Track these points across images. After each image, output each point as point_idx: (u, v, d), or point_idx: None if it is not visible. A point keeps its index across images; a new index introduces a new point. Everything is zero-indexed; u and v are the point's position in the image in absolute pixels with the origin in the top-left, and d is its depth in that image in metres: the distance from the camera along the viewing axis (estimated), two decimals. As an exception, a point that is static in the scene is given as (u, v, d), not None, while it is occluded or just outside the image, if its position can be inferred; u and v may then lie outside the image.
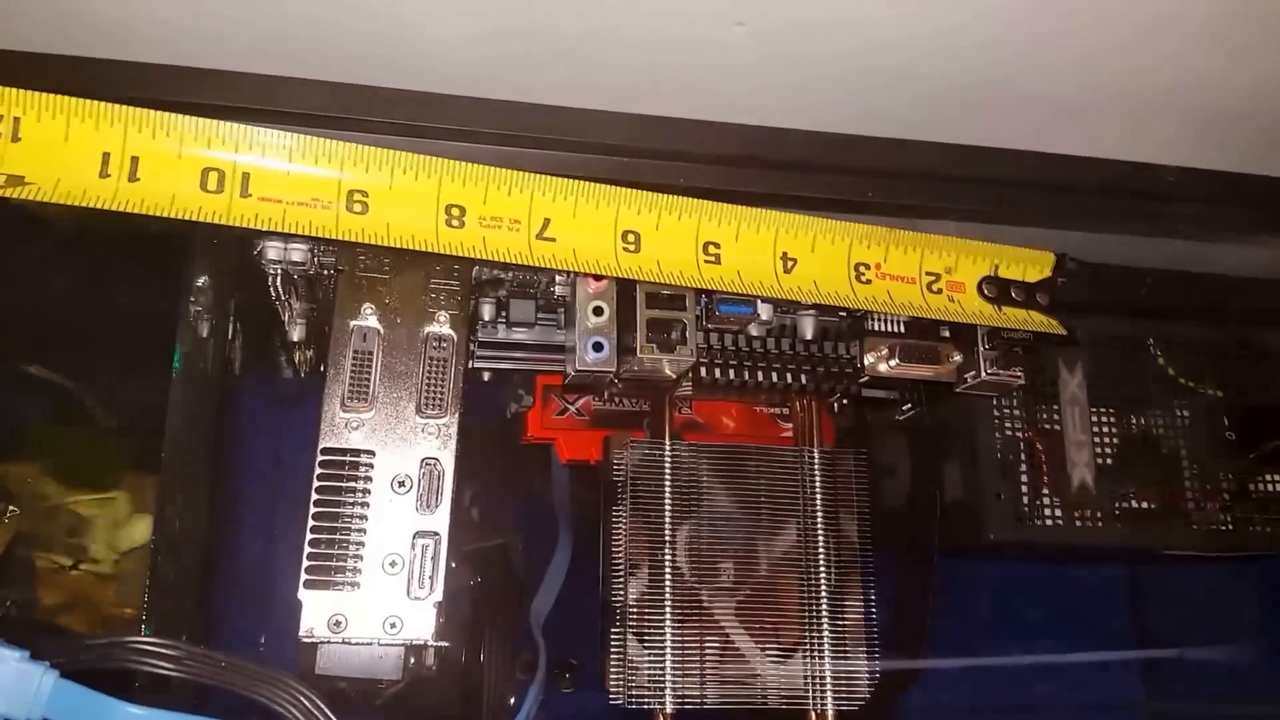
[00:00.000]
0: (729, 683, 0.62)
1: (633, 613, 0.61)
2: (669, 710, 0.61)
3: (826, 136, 0.60)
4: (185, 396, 0.58)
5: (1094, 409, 0.69)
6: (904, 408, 0.69)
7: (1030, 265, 0.60)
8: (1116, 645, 0.76)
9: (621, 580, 0.62)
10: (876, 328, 0.62)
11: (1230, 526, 0.69)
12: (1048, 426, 0.68)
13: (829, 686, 0.63)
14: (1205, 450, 0.70)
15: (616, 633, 0.61)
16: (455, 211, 0.50)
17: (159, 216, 0.46)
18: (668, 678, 0.61)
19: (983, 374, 0.60)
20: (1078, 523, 0.67)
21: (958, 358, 0.61)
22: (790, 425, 0.70)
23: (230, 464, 0.65)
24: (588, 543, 0.64)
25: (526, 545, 0.65)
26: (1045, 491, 0.67)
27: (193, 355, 0.58)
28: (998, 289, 0.58)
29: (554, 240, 0.51)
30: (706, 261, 0.53)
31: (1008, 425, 0.67)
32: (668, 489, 0.64)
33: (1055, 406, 0.68)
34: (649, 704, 0.60)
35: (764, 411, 0.72)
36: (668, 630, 0.61)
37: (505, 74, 0.55)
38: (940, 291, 0.57)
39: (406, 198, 0.49)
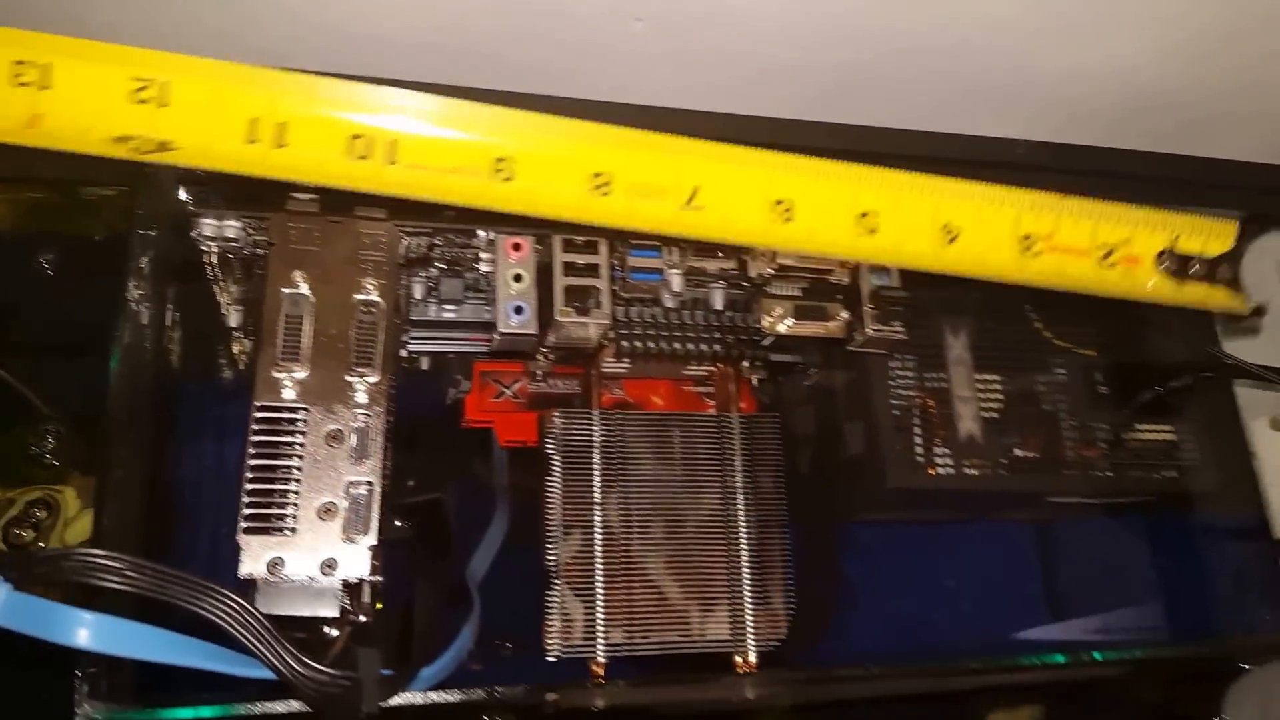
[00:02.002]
0: (658, 631, 0.65)
1: (566, 571, 0.64)
2: (600, 659, 0.64)
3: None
4: (125, 388, 0.60)
5: (979, 370, 0.75)
6: (810, 371, 0.74)
7: (1212, 237, 0.56)
8: (1025, 603, 0.81)
9: (555, 542, 0.65)
10: (774, 292, 0.67)
11: (1110, 474, 0.75)
12: (937, 385, 0.74)
13: (750, 631, 0.66)
14: (1082, 404, 0.77)
15: (551, 591, 0.64)
16: (602, 179, 0.48)
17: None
18: (599, 629, 0.64)
19: (868, 330, 0.66)
20: (968, 470, 0.72)
21: (845, 314, 0.67)
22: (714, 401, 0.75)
23: (171, 456, 0.67)
24: (527, 516, 0.67)
25: (463, 509, 0.68)
26: (938, 444, 0.72)
27: (133, 345, 0.61)
28: (1177, 263, 0.54)
29: (703, 209, 0.49)
30: (863, 234, 0.51)
31: (901, 385, 0.73)
32: (596, 455, 0.68)
33: (943, 368, 0.74)
34: (582, 654, 0.63)
35: (690, 390, 0.77)
36: (598, 585, 0.65)
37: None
38: (1115, 265, 0.54)
39: (553, 164, 0.47)
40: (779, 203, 0.50)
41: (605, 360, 0.70)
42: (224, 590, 0.47)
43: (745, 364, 0.73)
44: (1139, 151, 0.79)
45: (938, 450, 0.73)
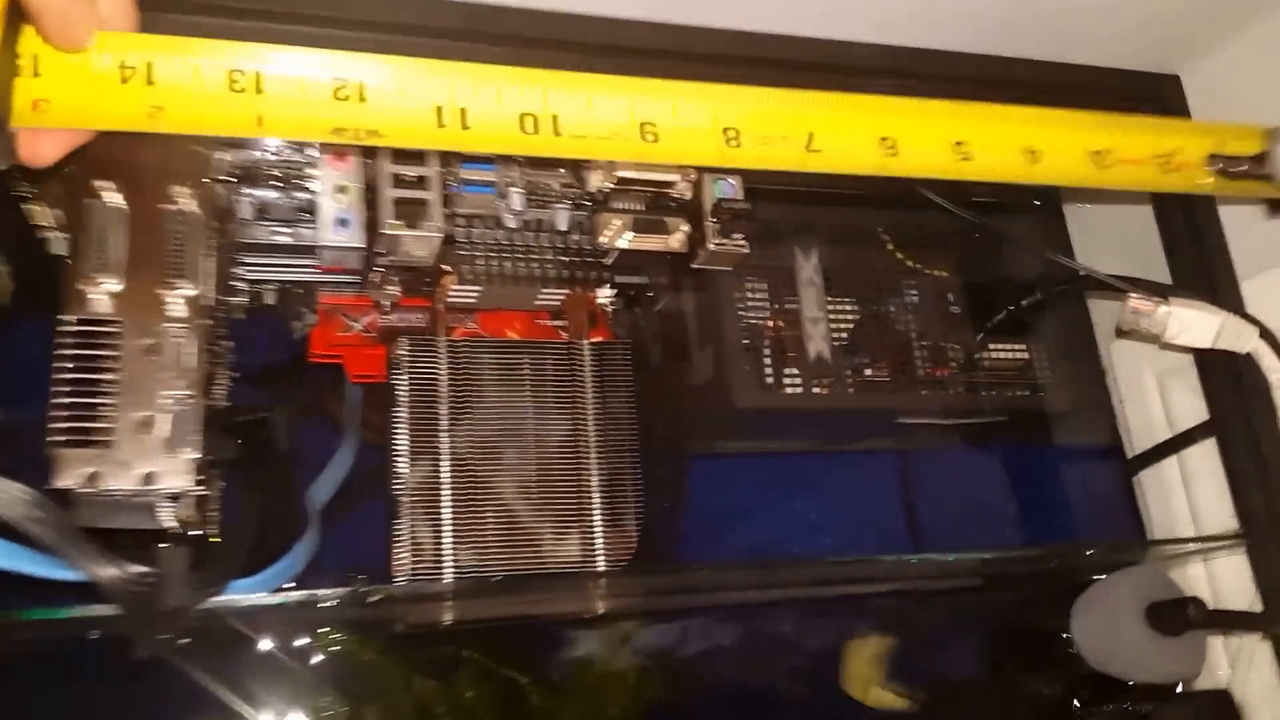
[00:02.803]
0: (508, 554, 0.65)
1: (413, 498, 0.64)
2: (448, 582, 0.64)
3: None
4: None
5: (830, 291, 0.76)
6: (658, 295, 0.74)
7: (1246, 139, 0.63)
8: (889, 533, 0.82)
9: (405, 468, 0.65)
10: (615, 206, 0.67)
11: (963, 393, 0.76)
12: (788, 307, 0.74)
13: (600, 552, 0.66)
14: (934, 325, 0.78)
15: (398, 519, 0.64)
16: (732, 134, 0.52)
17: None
18: (446, 553, 0.64)
19: (710, 245, 0.66)
20: (816, 390, 0.73)
21: (686, 228, 0.67)
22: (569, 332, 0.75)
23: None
24: (378, 450, 0.67)
25: (311, 443, 0.67)
26: (788, 366, 0.73)
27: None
28: (1224, 162, 0.62)
29: (820, 152, 0.53)
30: (960, 160, 0.56)
31: (752, 309, 0.73)
32: (443, 383, 0.68)
33: (794, 291, 0.75)
34: (430, 578, 0.63)
35: (545, 323, 0.76)
36: (445, 511, 0.65)
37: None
38: (1175, 170, 0.61)
39: (689, 126, 0.51)
40: (884, 139, 0.55)
41: (452, 289, 0.70)
42: (16, 485, 0.45)
43: (595, 289, 0.73)
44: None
45: (787, 372, 0.73)
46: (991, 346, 0.79)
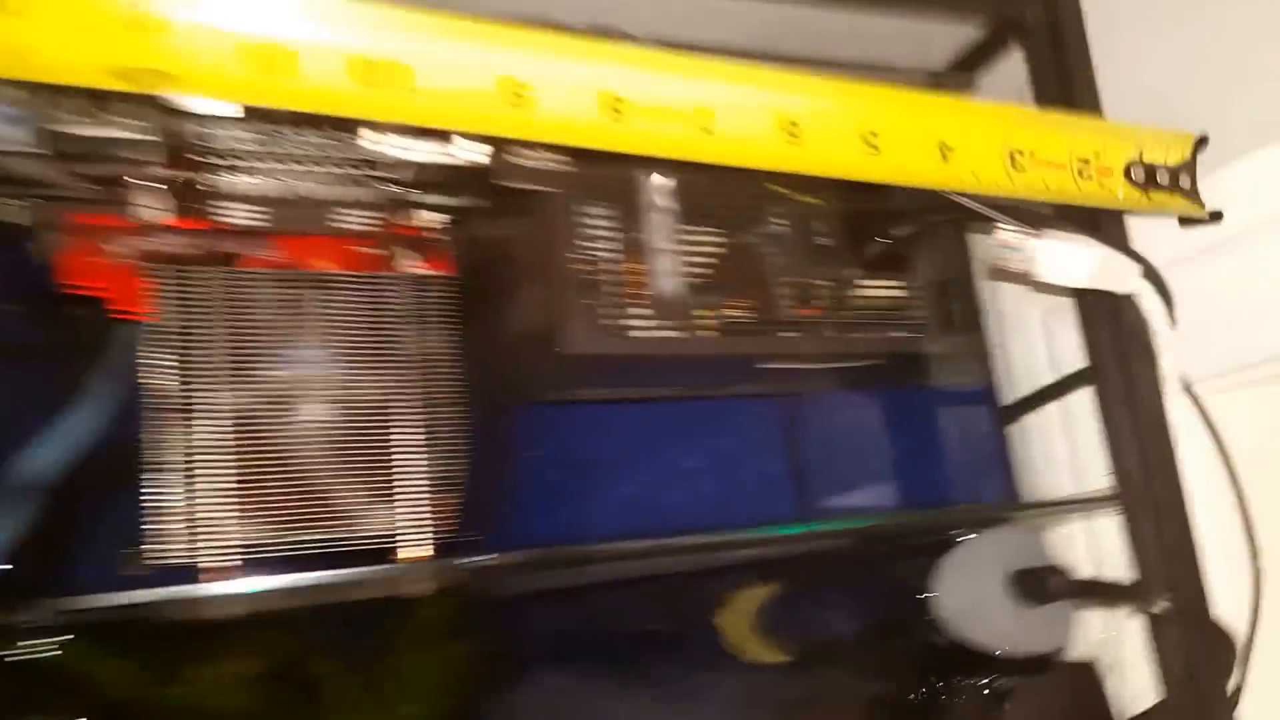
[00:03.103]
0: (300, 529, 0.57)
1: (176, 464, 0.56)
2: (213, 563, 0.56)
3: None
4: None
5: (685, 220, 0.67)
6: (476, 219, 0.65)
7: (1171, 148, 0.60)
8: (771, 480, 0.75)
9: (163, 431, 0.57)
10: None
11: (829, 334, 0.69)
12: (634, 236, 0.66)
13: (413, 526, 0.59)
14: (802, 259, 0.70)
15: (154, 488, 0.56)
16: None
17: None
18: (217, 530, 0.57)
19: (517, 156, 0.58)
20: (664, 334, 0.65)
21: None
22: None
23: None
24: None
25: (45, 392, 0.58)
26: (632, 304, 0.65)
27: None
28: (1144, 173, 0.59)
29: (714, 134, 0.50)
30: (869, 153, 0.52)
31: (591, 236, 0.65)
32: (222, 322, 0.59)
33: (641, 215, 0.67)
34: (189, 559, 0.56)
35: (363, 251, 0.67)
36: (218, 480, 0.57)
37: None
38: (1091, 178, 0.57)
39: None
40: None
41: (233, 209, 0.61)
42: None
43: (412, 213, 0.64)
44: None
45: (632, 311, 0.65)
46: (864, 284, 0.71)
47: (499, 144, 0.58)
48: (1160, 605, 0.58)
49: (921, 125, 0.53)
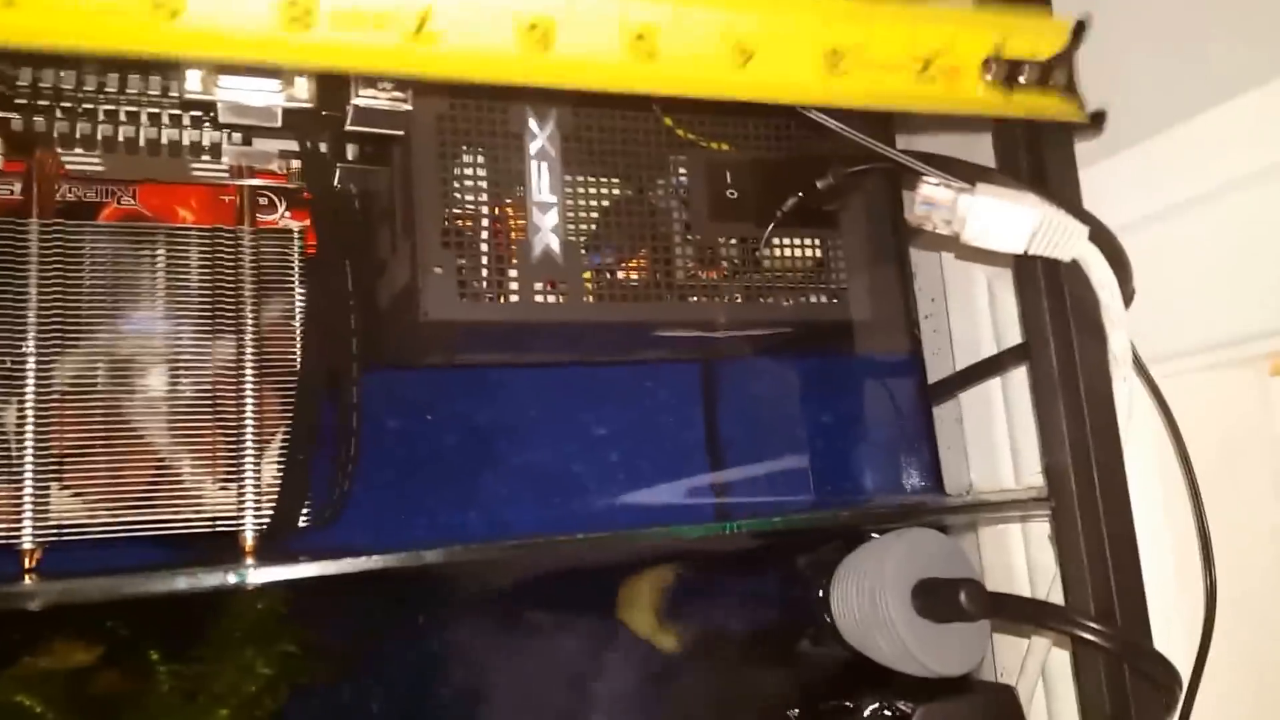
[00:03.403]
0: (121, 508, 0.52)
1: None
2: (28, 546, 0.50)
3: None
4: None
5: (571, 168, 0.58)
6: (322, 166, 0.57)
7: (1041, 37, 0.50)
8: (685, 447, 0.67)
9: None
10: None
11: (737, 299, 0.60)
12: (511, 187, 0.57)
13: (250, 506, 0.52)
14: (706, 213, 0.61)
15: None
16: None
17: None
18: (31, 508, 0.51)
19: (353, 96, 0.49)
20: (541, 298, 0.56)
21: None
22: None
23: None
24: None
25: None
26: (503, 264, 0.56)
27: None
28: (1006, 70, 0.50)
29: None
30: (641, 59, 0.45)
31: (456, 186, 0.56)
32: (33, 283, 0.52)
33: (520, 163, 0.58)
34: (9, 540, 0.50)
35: (233, 201, 0.60)
36: (31, 452, 0.51)
37: None
38: (935, 79, 0.49)
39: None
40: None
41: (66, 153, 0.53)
42: None
43: (254, 160, 0.56)
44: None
45: (506, 272, 0.57)
46: (777, 243, 0.62)
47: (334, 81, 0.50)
48: (1090, 629, 0.50)
49: (711, 23, 0.45)
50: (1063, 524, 0.52)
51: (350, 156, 0.60)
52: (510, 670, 0.61)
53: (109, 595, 0.47)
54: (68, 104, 0.53)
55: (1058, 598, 0.53)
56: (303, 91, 0.49)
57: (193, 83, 0.48)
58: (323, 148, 0.56)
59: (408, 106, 0.50)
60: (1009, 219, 0.51)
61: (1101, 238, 0.53)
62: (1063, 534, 0.52)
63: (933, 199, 0.52)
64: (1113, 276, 0.52)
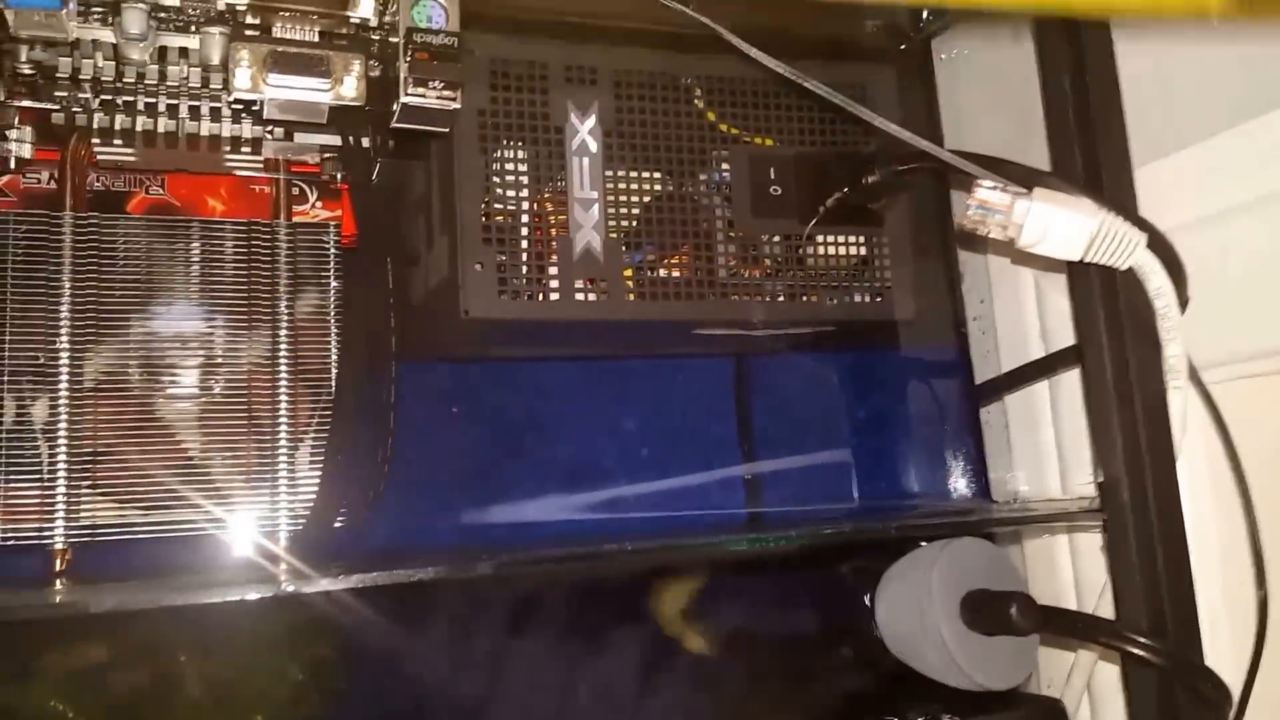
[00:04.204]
0: (152, 509, 0.52)
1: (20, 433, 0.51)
2: (59, 546, 0.50)
3: None
4: None
5: (612, 163, 0.58)
6: (365, 161, 0.56)
7: None
8: (718, 443, 0.67)
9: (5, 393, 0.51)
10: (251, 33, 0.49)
11: (779, 297, 0.59)
12: (552, 183, 0.57)
13: (283, 505, 0.52)
14: (748, 210, 0.60)
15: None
16: None
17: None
18: (62, 507, 0.50)
19: (401, 94, 0.48)
20: (581, 295, 0.56)
21: (359, 67, 0.48)
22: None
23: None
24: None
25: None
26: (543, 261, 0.55)
27: None
28: None
29: None
30: None
31: (497, 180, 0.56)
32: (67, 275, 0.51)
33: (561, 159, 0.57)
34: (36, 538, 0.50)
35: (263, 191, 0.59)
36: (64, 452, 0.51)
37: None
38: None
39: None
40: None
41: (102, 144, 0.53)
42: None
43: (290, 153, 0.55)
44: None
45: (546, 270, 0.56)
46: (821, 240, 0.61)
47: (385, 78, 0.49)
48: (1143, 645, 0.49)
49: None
50: (1116, 537, 0.51)
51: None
52: (545, 677, 0.61)
53: (158, 604, 0.46)
54: (107, 95, 0.51)
55: (1105, 610, 0.53)
56: (351, 90, 0.48)
57: (241, 80, 0.47)
58: (365, 143, 0.55)
59: (456, 105, 0.49)
60: (1067, 226, 0.50)
61: (1159, 245, 0.52)
62: (1115, 547, 0.51)
63: (988, 203, 0.51)
64: (1171, 285, 0.51)
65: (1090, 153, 0.54)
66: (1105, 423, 0.52)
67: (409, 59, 0.48)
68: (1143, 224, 0.52)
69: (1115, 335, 0.53)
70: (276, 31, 0.49)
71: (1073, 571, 0.59)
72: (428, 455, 0.62)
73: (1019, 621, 0.50)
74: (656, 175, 0.59)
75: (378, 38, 0.51)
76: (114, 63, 0.51)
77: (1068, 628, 0.53)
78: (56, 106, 0.51)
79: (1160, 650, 0.49)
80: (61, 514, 0.51)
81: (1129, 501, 0.51)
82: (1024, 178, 0.52)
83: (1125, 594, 0.51)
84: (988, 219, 0.51)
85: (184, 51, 0.51)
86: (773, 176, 0.61)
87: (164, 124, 0.54)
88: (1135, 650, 0.49)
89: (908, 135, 0.54)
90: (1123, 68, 0.55)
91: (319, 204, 0.60)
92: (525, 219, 0.57)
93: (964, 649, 0.52)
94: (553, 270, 0.57)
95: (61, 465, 0.51)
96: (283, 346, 0.55)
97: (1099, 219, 0.50)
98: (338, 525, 0.54)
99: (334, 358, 0.55)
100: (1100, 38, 0.55)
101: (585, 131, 0.58)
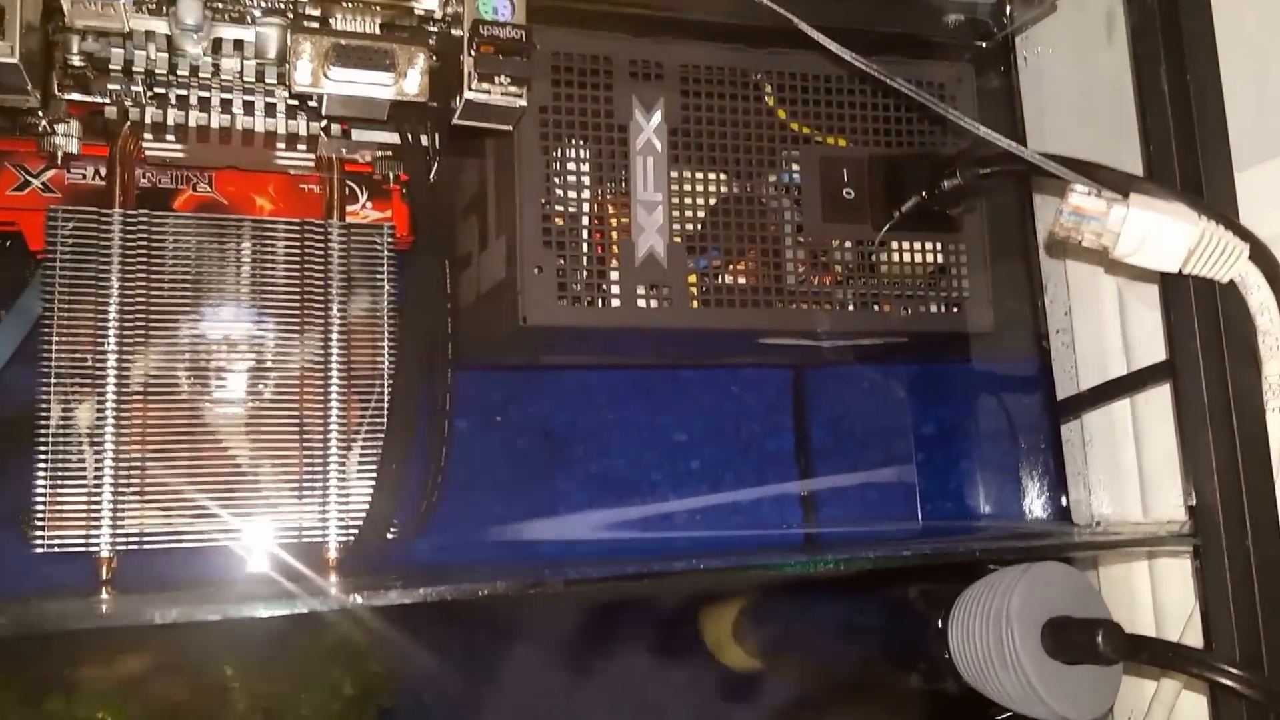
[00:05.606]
0: (202, 518, 0.51)
1: (69, 437, 0.50)
2: (105, 554, 0.50)
3: None
4: None
5: (678, 163, 0.56)
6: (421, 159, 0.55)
7: None
8: (773, 457, 0.65)
9: (52, 396, 0.49)
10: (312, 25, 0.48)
11: (849, 306, 0.58)
12: (614, 184, 0.55)
13: (336, 516, 0.51)
14: (819, 213, 0.58)
15: (45, 463, 0.49)
16: None
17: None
18: (108, 514, 0.49)
19: (465, 90, 0.47)
20: (643, 303, 0.55)
21: (423, 62, 0.47)
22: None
23: None
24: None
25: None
26: (604, 265, 0.54)
27: None
28: None
29: None
30: None
31: (558, 181, 0.54)
32: (116, 275, 0.51)
33: (625, 160, 0.56)
34: (80, 545, 0.49)
35: (312, 190, 0.58)
36: (111, 456, 0.50)
37: None
38: None
39: None
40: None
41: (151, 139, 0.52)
42: None
43: (345, 150, 0.54)
44: None
45: (607, 275, 0.55)
46: (895, 247, 0.59)
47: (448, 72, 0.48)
48: (1237, 677, 0.48)
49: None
50: (1209, 564, 0.50)
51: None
52: (602, 696, 0.60)
53: (223, 614, 0.45)
54: (159, 88, 0.51)
55: (1190, 639, 0.52)
56: (414, 85, 0.47)
57: (302, 74, 0.46)
58: (423, 140, 0.54)
59: (523, 102, 0.48)
60: (1166, 234, 0.49)
61: (1261, 256, 0.50)
62: (1208, 574, 0.50)
63: (1083, 209, 0.49)
64: (1274, 300, 0.50)
65: (1190, 157, 0.52)
66: (1199, 443, 0.51)
67: (474, 53, 0.47)
68: (1245, 233, 0.50)
69: (1212, 352, 0.51)
70: (336, 23, 0.48)
71: (1152, 598, 0.57)
72: (472, 466, 0.61)
73: (1106, 650, 0.49)
74: (723, 176, 0.58)
75: (437, 30, 0.49)
76: (167, 55, 0.50)
77: (1157, 657, 0.51)
78: (108, 100, 0.50)
79: (1254, 683, 0.47)
80: (108, 521, 0.50)
81: (1223, 526, 0.50)
82: (1119, 183, 0.50)
83: (1218, 623, 0.49)
84: (1081, 226, 0.49)
85: (239, 44, 0.50)
86: (845, 178, 0.59)
87: (217, 119, 0.53)
88: (1228, 682, 0.48)
89: (994, 136, 0.52)
90: (1222, 65, 0.53)
91: (369, 204, 0.59)
92: (586, 221, 0.55)
93: (1045, 678, 0.51)
94: (614, 275, 0.55)
95: (108, 471, 0.50)
96: (334, 350, 0.54)
97: (1200, 228, 0.49)
98: (390, 535, 0.53)
99: (386, 362, 0.54)
100: (1201, 32, 0.53)
101: (650, 130, 0.57)
